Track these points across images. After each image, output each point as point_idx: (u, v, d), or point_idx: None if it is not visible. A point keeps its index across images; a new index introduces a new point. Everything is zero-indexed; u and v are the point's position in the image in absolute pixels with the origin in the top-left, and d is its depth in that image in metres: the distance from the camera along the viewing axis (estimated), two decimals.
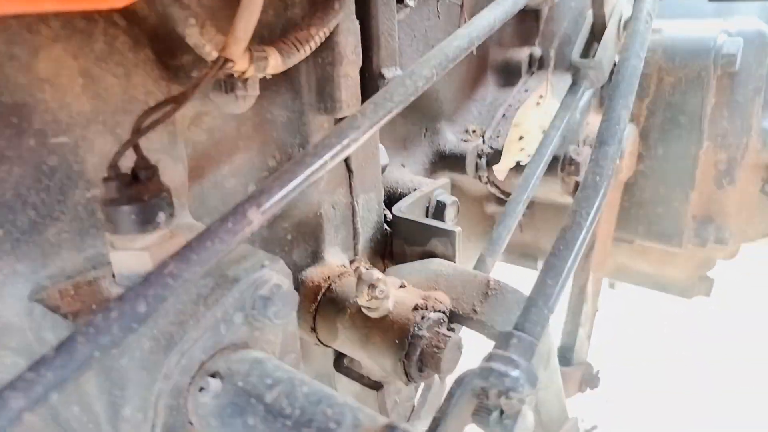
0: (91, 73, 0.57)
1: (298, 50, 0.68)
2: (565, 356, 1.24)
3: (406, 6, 0.93)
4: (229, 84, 0.65)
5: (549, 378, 0.79)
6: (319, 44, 0.71)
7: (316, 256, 0.88)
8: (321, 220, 0.86)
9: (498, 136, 1.17)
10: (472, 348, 0.79)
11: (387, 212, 0.99)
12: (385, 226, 0.98)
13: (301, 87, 0.78)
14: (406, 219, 0.92)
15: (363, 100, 0.81)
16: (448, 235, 0.86)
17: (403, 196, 1.01)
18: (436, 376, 0.75)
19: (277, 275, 0.57)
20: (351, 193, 0.89)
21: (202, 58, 0.62)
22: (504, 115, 1.20)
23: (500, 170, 1.11)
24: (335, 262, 0.89)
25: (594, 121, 1.17)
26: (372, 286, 0.72)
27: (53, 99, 0.54)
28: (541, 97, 1.18)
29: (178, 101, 0.53)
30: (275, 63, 0.66)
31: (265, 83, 0.72)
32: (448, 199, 1.01)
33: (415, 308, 0.73)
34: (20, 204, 0.53)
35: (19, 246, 0.54)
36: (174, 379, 0.51)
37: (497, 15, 0.74)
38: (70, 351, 0.42)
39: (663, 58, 1.15)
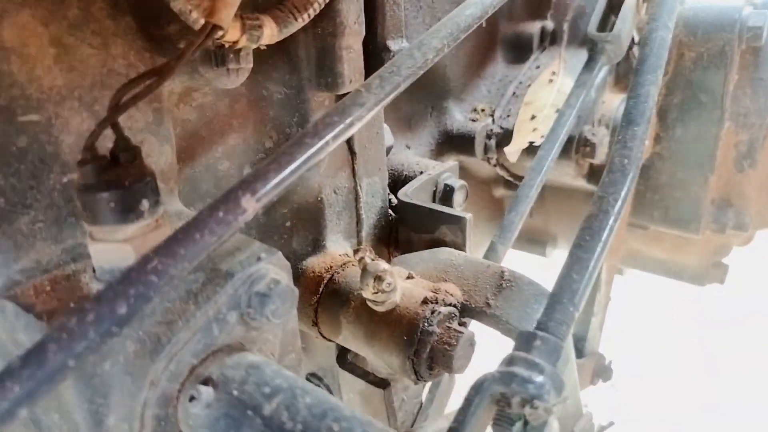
0: (64, 42, 0.50)
1: (296, 18, 0.61)
2: (577, 347, 1.20)
3: None
4: (220, 56, 0.59)
5: (566, 374, 0.74)
6: (318, 12, 0.64)
7: (317, 245, 0.82)
8: (322, 206, 0.80)
9: (508, 116, 1.11)
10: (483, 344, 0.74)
11: (392, 197, 0.94)
12: (390, 212, 0.93)
13: (299, 60, 0.72)
14: (413, 204, 0.86)
15: (367, 75, 0.74)
16: (458, 221, 0.81)
17: (409, 180, 0.95)
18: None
19: (274, 269, 0.52)
20: (354, 176, 0.84)
21: (190, 27, 0.55)
22: (514, 93, 1.14)
23: (512, 152, 1.05)
24: (337, 250, 0.83)
25: (609, 99, 1.11)
26: (378, 278, 0.66)
27: (21, 71, 0.48)
28: (553, 73, 1.12)
29: (161, 73, 0.47)
30: (270, 32, 0.59)
31: (259, 56, 0.65)
32: (456, 182, 0.95)
33: (425, 301, 0.68)
34: None
35: None
36: (162, 386, 0.46)
37: None
38: (39, 360, 0.37)
39: (684, 31, 1.08)
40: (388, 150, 0.91)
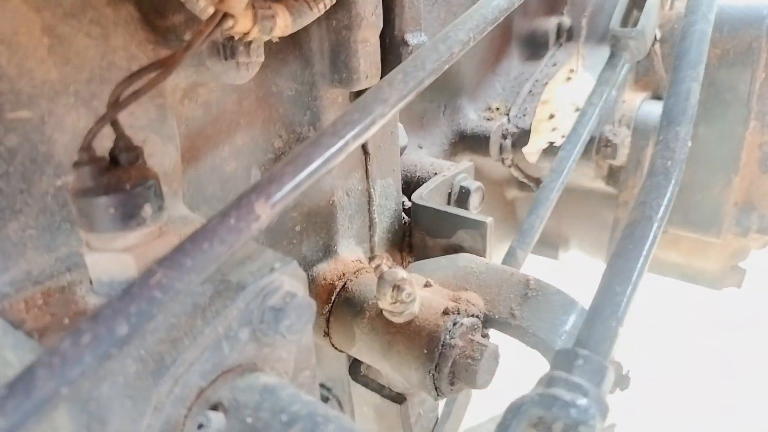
0: (59, 32, 0.46)
1: (311, 8, 0.57)
2: None
3: None
4: (229, 48, 0.54)
5: None
6: (333, 3, 0.60)
7: (328, 250, 0.78)
8: (334, 209, 0.76)
9: (524, 115, 1.07)
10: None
11: (404, 200, 0.89)
12: (403, 215, 0.88)
13: (312, 54, 0.67)
14: (429, 207, 0.82)
15: (383, 71, 0.70)
16: (477, 226, 0.76)
17: (422, 182, 0.91)
18: None
19: (289, 280, 0.47)
20: (367, 178, 0.79)
21: (197, 17, 0.51)
22: (530, 91, 1.09)
23: (531, 152, 1.00)
24: (350, 256, 0.79)
25: (630, 99, 1.06)
26: (397, 288, 0.62)
27: (10, 63, 0.43)
28: (571, 71, 1.07)
29: (166, 66, 0.42)
30: (283, 23, 0.55)
31: (269, 50, 0.61)
32: (472, 184, 0.90)
33: (445, 312, 0.64)
34: None
35: None
36: (166, 411, 0.41)
37: None
38: (27, 389, 0.33)
39: None
40: (402, 150, 0.87)
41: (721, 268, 1.33)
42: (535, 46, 1.15)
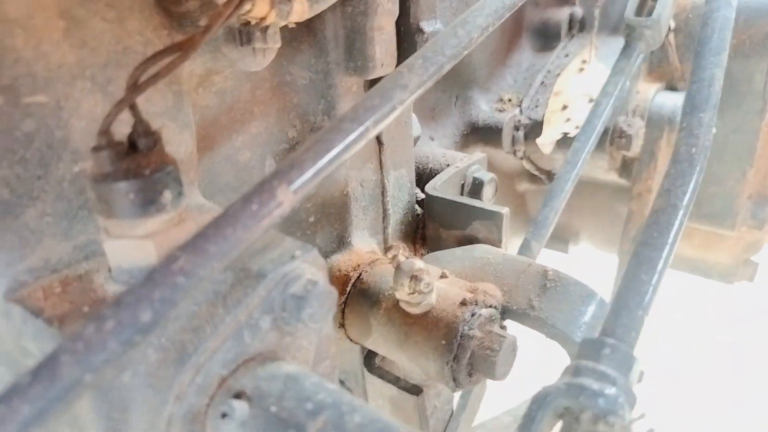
0: (75, 15, 0.45)
1: None
2: None
3: None
4: (245, 34, 0.53)
5: None
6: None
7: (342, 241, 0.77)
8: (348, 200, 0.75)
9: (537, 106, 1.05)
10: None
11: (417, 191, 0.88)
12: (416, 206, 0.87)
13: (327, 42, 0.66)
14: (443, 199, 0.81)
15: (398, 59, 0.69)
16: (493, 217, 0.75)
17: (435, 173, 0.90)
18: None
19: (310, 268, 0.46)
20: (381, 169, 0.78)
21: (212, 3, 0.50)
22: (543, 82, 1.08)
23: (545, 143, 0.99)
24: (364, 248, 0.78)
25: (644, 89, 1.05)
26: (415, 278, 0.61)
27: (26, 47, 0.42)
28: (584, 62, 1.06)
29: (185, 49, 0.41)
30: (300, 8, 0.54)
31: (283, 39, 0.60)
32: (485, 176, 0.90)
33: (463, 303, 0.63)
34: None
35: None
36: (188, 400, 0.40)
37: None
38: (51, 376, 0.32)
39: None
40: (415, 141, 0.86)
41: (734, 261, 1.32)
42: (547, 37, 1.14)
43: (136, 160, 0.41)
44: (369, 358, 0.78)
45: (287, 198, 0.41)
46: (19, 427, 0.31)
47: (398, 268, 0.63)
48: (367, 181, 0.77)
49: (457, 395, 0.80)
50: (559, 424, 0.45)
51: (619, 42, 1.04)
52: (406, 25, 0.71)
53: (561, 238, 1.39)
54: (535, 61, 1.13)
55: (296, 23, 0.56)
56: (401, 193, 0.82)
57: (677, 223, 0.50)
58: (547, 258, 1.20)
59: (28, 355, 0.45)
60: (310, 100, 0.70)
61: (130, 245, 0.42)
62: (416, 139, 0.86)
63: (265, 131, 0.69)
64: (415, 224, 0.87)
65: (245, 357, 0.43)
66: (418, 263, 0.63)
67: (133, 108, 0.41)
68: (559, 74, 1.07)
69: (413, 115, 0.83)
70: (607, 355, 0.44)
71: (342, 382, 0.87)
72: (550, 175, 1.13)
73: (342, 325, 0.72)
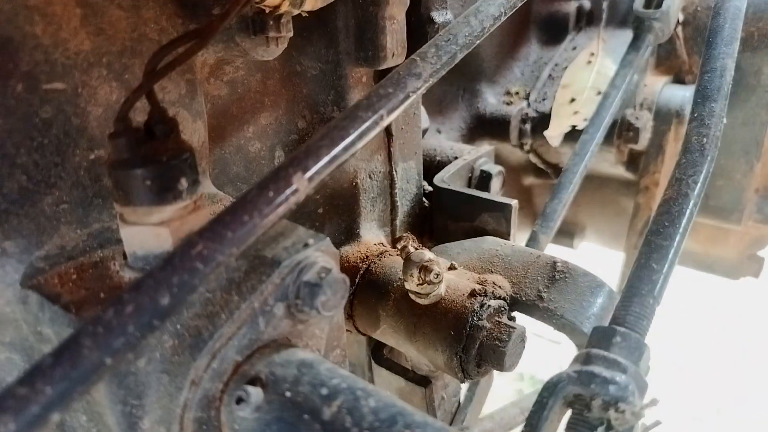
0: (92, 2, 0.45)
1: None
2: None
3: None
4: (259, 23, 0.53)
5: None
6: None
7: (350, 233, 0.77)
8: (357, 191, 0.75)
9: (544, 99, 1.05)
10: None
11: (425, 183, 0.88)
12: (424, 199, 0.87)
13: (338, 32, 0.66)
14: (451, 191, 0.81)
15: (409, 49, 0.69)
16: (502, 209, 0.76)
17: (442, 165, 0.90)
18: None
19: (323, 256, 0.47)
20: (390, 160, 0.78)
21: None
22: (550, 75, 1.08)
23: (553, 136, 0.99)
24: (372, 239, 0.78)
25: (651, 82, 1.05)
26: (425, 269, 0.61)
27: (45, 33, 0.42)
28: (592, 54, 1.06)
29: (203, 36, 0.41)
30: None
31: (294, 28, 0.60)
32: (493, 168, 0.90)
33: (472, 294, 0.63)
34: (7, 167, 0.43)
35: (8, 219, 0.44)
36: (204, 386, 0.41)
37: None
38: (73, 358, 0.32)
39: None
40: (424, 133, 0.86)
41: (739, 256, 1.32)
42: (555, 30, 1.14)
43: (153, 147, 0.41)
44: (377, 349, 0.78)
45: (302, 185, 0.41)
46: (42, 408, 0.31)
47: (408, 258, 0.63)
48: (375, 173, 0.77)
49: (464, 387, 0.81)
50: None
51: (627, 35, 1.04)
52: (416, 15, 0.71)
53: (567, 233, 1.39)
54: (542, 53, 1.13)
55: (308, 12, 0.56)
56: (409, 185, 0.83)
57: (688, 212, 0.50)
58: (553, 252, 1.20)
59: (44, 341, 0.45)
60: (319, 91, 0.70)
61: (147, 232, 0.42)
62: (424, 132, 0.86)
63: (275, 122, 0.69)
64: (422, 216, 0.87)
65: (260, 343, 0.43)
66: (428, 254, 0.63)
67: (150, 94, 0.41)
68: (566, 67, 1.07)
69: (422, 107, 0.83)
70: (618, 343, 0.44)
71: None
72: (556, 169, 1.13)
73: (350, 317, 0.73)
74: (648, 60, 1.03)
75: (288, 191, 0.40)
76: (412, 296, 0.65)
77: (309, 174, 0.41)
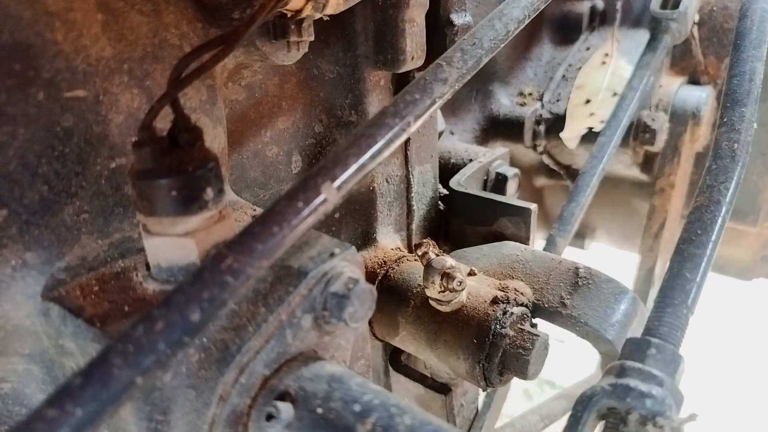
0: (113, 7, 0.44)
1: None
2: None
3: None
4: (280, 27, 0.52)
5: None
6: None
7: (367, 238, 0.76)
8: (374, 196, 0.74)
9: (558, 100, 1.04)
10: None
11: (439, 186, 0.87)
12: (439, 202, 0.86)
13: (356, 35, 0.65)
14: (468, 194, 0.80)
15: (427, 52, 0.68)
16: (521, 213, 0.75)
17: (456, 168, 0.89)
18: None
19: (350, 266, 0.46)
20: (406, 164, 0.77)
21: None
22: (564, 76, 1.07)
23: (569, 138, 0.98)
24: (389, 244, 0.77)
25: (667, 83, 1.03)
26: (447, 276, 0.60)
27: (66, 40, 0.41)
28: (606, 55, 1.05)
29: (229, 41, 0.40)
30: (336, 0, 0.53)
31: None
32: (509, 171, 0.89)
33: (494, 301, 0.62)
34: (28, 176, 0.42)
35: (29, 230, 0.43)
36: (232, 401, 0.40)
37: None
38: (103, 377, 0.31)
39: None
40: (439, 135, 0.85)
41: (752, 257, 1.31)
42: (568, 30, 1.13)
43: (178, 156, 0.40)
44: (395, 355, 0.77)
45: (331, 195, 0.40)
46: (72, 431, 0.30)
47: (429, 265, 0.62)
48: (392, 177, 0.76)
49: (481, 394, 0.80)
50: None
51: (641, 35, 1.03)
52: (435, 18, 0.70)
53: (578, 234, 1.38)
54: (555, 54, 1.12)
55: (329, 16, 0.55)
56: (425, 189, 0.82)
57: (720, 219, 0.49)
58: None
59: (66, 354, 0.44)
60: (337, 95, 0.69)
61: (171, 243, 0.41)
62: (440, 134, 0.85)
63: (292, 126, 0.68)
64: (438, 221, 0.86)
65: (287, 356, 0.42)
66: (450, 260, 0.62)
67: (175, 103, 0.40)
68: (580, 68, 1.06)
69: (438, 110, 0.82)
70: (653, 355, 0.43)
71: None
72: (569, 170, 1.12)
73: (368, 323, 0.72)
74: (663, 61, 1.02)
75: (317, 201, 0.39)
76: (433, 303, 0.64)
77: (337, 183, 0.40)
